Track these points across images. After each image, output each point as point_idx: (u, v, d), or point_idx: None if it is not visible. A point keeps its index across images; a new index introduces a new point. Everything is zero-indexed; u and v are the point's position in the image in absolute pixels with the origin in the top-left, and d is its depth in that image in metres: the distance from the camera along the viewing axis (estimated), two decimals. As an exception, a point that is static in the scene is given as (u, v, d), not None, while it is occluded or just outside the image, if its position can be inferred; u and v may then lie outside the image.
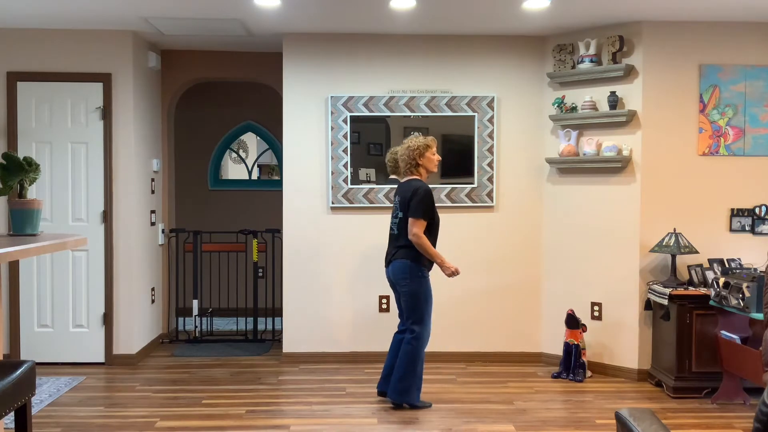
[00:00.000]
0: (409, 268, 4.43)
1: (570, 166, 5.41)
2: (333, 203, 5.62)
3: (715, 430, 4.20)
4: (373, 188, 5.61)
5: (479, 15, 5.01)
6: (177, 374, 5.37)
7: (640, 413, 2.12)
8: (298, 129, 5.65)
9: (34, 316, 5.54)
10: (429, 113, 5.60)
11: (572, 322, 5.18)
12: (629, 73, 5.14)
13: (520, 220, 5.67)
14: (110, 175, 5.55)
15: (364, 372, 5.38)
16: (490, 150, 5.62)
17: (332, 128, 5.59)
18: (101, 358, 5.58)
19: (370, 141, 5.63)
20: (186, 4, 4.76)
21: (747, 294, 4.29)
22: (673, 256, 4.98)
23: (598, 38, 5.24)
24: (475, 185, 5.62)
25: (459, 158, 5.63)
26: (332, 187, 5.61)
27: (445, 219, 5.59)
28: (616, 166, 5.16)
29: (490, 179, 5.63)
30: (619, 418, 2.15)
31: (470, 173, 5.62)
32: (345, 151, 5.60)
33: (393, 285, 4.58)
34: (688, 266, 5.03)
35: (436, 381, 5.16)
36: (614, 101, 5.14)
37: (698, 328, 4.75)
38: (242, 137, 7.99)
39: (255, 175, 8.19)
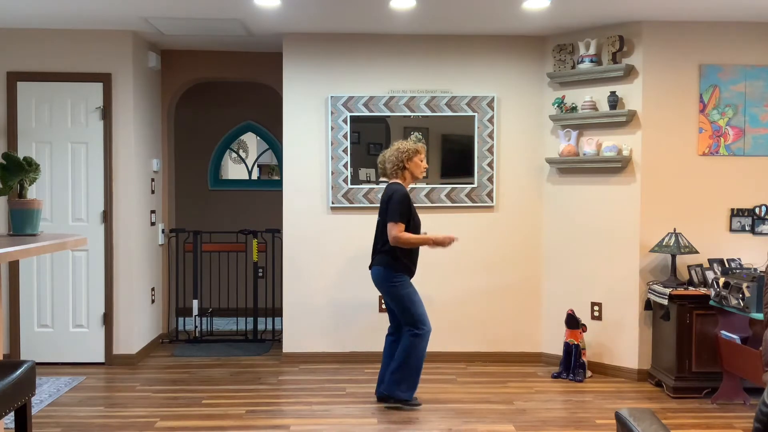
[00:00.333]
0: (383, 274, 4.44)
1: (570, 166, 5.41)
2: (333, 203, 5.62)
3: (715, 430, 4.20)
4: (373, 188, 5.61)
5: (479, 15, 5.01)
6: (177, 374, 5.37)
7: (640, 413, 2.12)
8: (298, 129, 5.65)
9: (34, 316, 5.54)
10: (429, 113, 5.60)
11: (572, 322, 5.18)
12: (629, 73, 5.14)
13: (520, 220, 5.67)
14: (110, 175, 5.55)
15: (364, 372, 5.38)
16: (490, 150, 5.62)
17: (332, 128, 5.59)
18: (101, 358, 5.58)
19: (370, 141, 5.63)
20: (186, 4, 4.76)
21: (747, 294, 4.29)
22: (673, 256, 4.98)
23: (598, 38, 5.24)
24: (475, 185, 5.62)
25: (459, 158, 5.63)
26: (332, 187, 5.61)
27: (445, 219, 5.61)
28: (616, 166, 5.16)
29: (490, 179, 5.63)
30: (619, 418, 2.15)
31: (470, 173, 5.62)
32: (345, 151, 5.60)
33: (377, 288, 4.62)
34: (688, 266, 5.03)
35: (436, 381, 5.16)
36: (614, 101, 5.14)
37: (698, 328, 4.75)
38: (242, 137, 7.99)
39: (255, 175, 8.20)
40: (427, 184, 5.62)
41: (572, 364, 5.20)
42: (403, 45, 5.61)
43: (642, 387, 5.05)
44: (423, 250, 4.70)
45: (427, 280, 5.52)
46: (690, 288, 4.86)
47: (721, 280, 4.57)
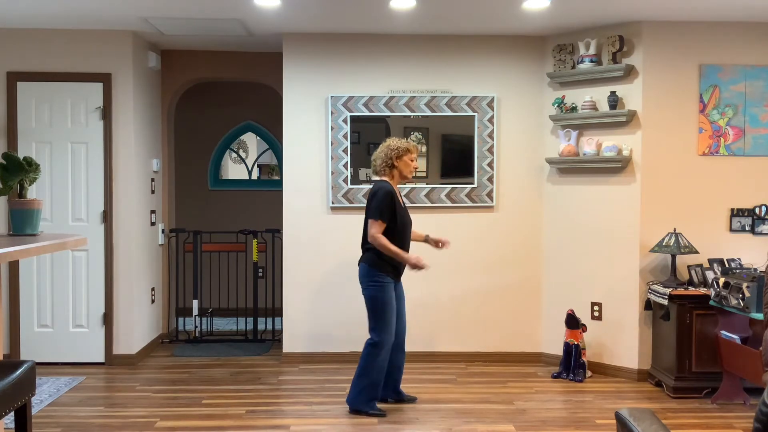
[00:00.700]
0: (367, 272, 4.37)
1: (570, 166, 5.41)
2: (333, 203, 5.62)
3: (715, 430, 4.20)
4: (373, 188, 5.60)
5: (479, 15, 5.01)
6: (177, 374, 5.37)
7: (640, 413, 2.12)
8: (298, 129, 5.65)
9: (34, 316, 5.54)
10: (429, 113, 5.60)
11: (572, 322, 5.18)
12: (629, 73, 5.14)
13: (520, 220, 5.67)
14: (110, 175, 5.55)
15: (364, 372, 5.38)
16: (490, 150, 5.62)
17: (332, 128, 5.59)
18: (101, 358, 5.58)
19: (370, 141, 5.62)
20: (186, 4, 4.76)
21: (747, 294, 4.29)
22: (673, 256, 4.98)
23: (598, 38, 5.24)
24: (475, 185, 5.62)
25: (459, 158, 5.63)
26: (332, 187, 5.61)
27: (445, 219, 5.61)
28: (616, 166, 5.16)
29: (490, 179, 5.63)
30: (619, 418, 2.15)
31: (470, 173, 5.62)
32: (345, 151, 5.60)
33: None
34: (688, 266, 5.03)
35: (436, 381, 5.16)
36: (614, 101, 5.14)
37: (698, 328, 4.75)
38: (242, 137, 7.99)
39: (255, 175, 8.20)
40: (427, 184, 5.62)
41: (572, 364, 5.20)
42: (403, 45, 5.61)
43: (642, 387, 5.05)
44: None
45: (427, 280, 5.53)
46: (690, 288, 4.86)
47: (721, 280, 4.57)
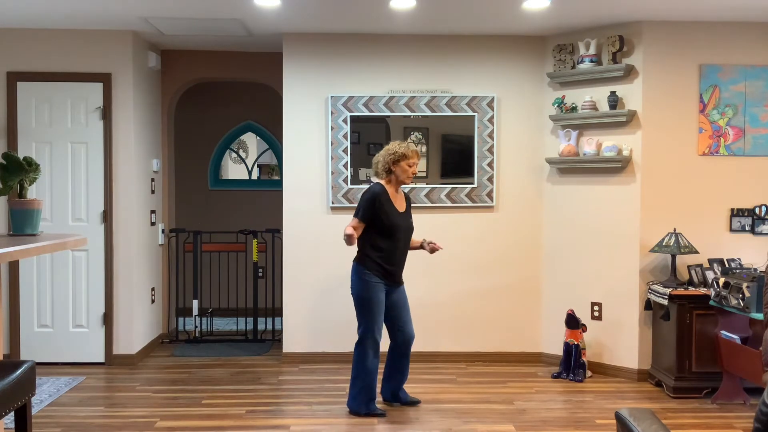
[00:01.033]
0: (355, 269, 4.38)
1: (570, 166, 5.41)
2: (333, 203, 5.62)
3: (715, 430, 4.20)
4: (373, 188, 5.60)
5: (479, 15, 5.01)
6: (177, 374, 5.37)
7: (640, 413, 2.12)
8: (298, 129, 5.65)
9: (34, 316, 5.54)
10: (429, 113, 5.60)
11: (572, 322, 5.18)
12: (629, 73, 5.14)
13: (520, 220, 5.67)
14: (110, 175, 5.55)
15: (364, 372, 5.38)
16: (490, 150, 5.62)
17: (332, 128, 5.59)
18: (101, 358, 5.58)
19: (370, 141, 5.62)
20: (186, 4, 4.76)
21: (747, 294, 4.29)
22: (673, 256, 4.98)
23: (598, 38, 5.24)
24: (475, 185, 5.62)
25: (459, 158, 5.63)
26: (332, 187, 5.61)
27: (445, 219, 5.61)
28: (616, 166, 5.16)
29: (490, 179, 5.63)
30: (619, 418, 2.15)
31: (470, 173, 5.62)
32: (345, 151, 5.60)
33: None
34: (688, 266, 5.03)
35: (436, 381, 5.16)
36: (614, 101, 5.14)
37: (698, 328, 4.75)
38: (242, 137, 7.99)
39: (255, 175, 8.20)
40: (427, 184, 5.62)
41: (572, 364, 5.20)
42: (403, 45, 5.61)
43: (642, 387, 5.05)
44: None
45: (427, 280, 5.53)
46: (690, 288, 4.86)
47: (721, 280, 4.57)
